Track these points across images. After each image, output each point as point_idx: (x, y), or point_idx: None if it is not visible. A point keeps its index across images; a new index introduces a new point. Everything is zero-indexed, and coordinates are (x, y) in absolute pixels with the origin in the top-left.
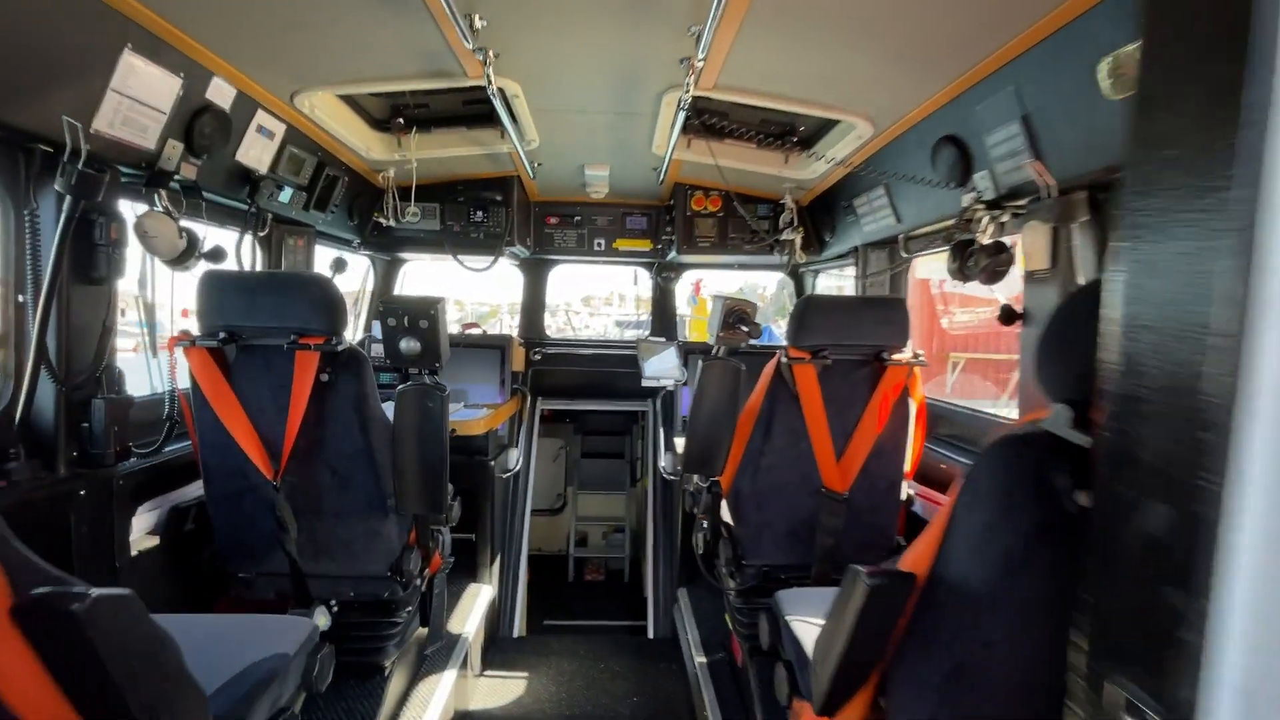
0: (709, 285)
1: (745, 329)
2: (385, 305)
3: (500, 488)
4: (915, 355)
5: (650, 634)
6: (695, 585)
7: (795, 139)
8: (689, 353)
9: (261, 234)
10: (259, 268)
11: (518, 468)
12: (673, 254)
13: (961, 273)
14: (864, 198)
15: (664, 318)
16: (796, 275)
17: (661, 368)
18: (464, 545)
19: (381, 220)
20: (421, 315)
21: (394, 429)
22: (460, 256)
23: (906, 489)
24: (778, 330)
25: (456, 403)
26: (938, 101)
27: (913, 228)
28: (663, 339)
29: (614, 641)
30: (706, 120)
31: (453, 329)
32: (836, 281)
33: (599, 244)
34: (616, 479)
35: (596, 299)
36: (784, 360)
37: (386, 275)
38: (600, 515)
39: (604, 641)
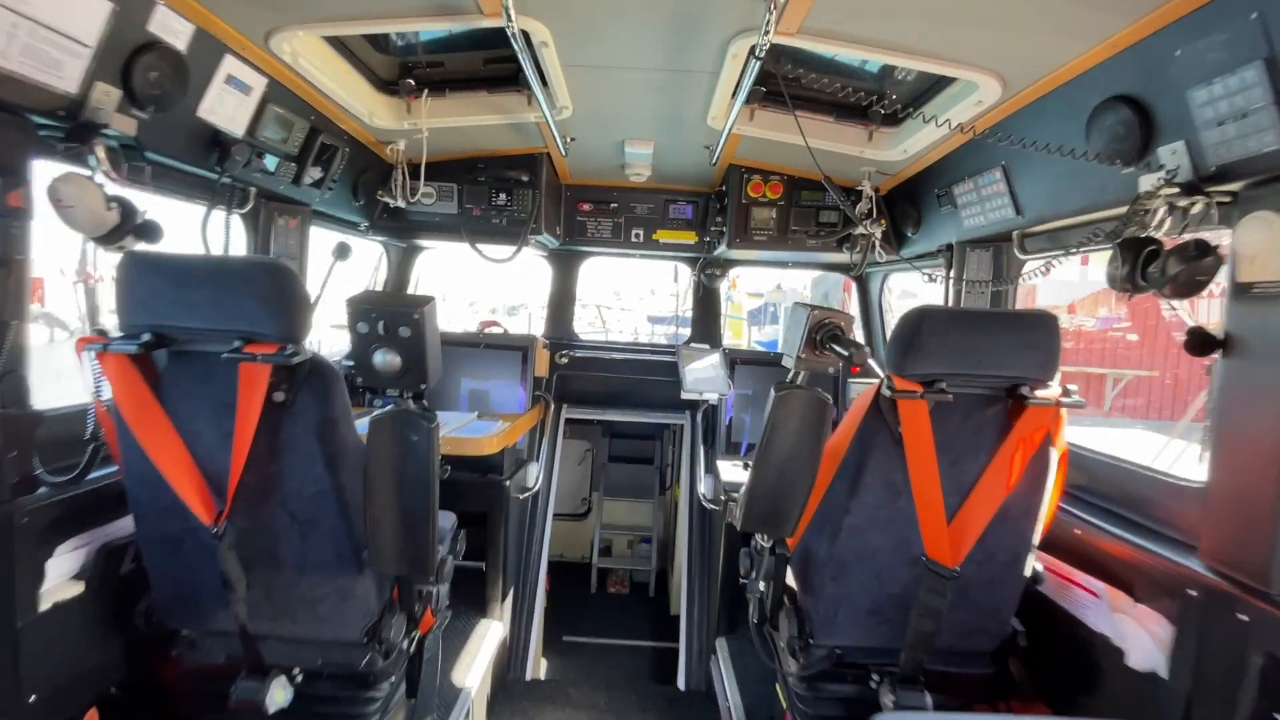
0: (743, 281)
1: (839, 350)
2: (355, 306)
3: (516, 510)
4: (1066, 391)
5: (681, 685)
6: (737, 636)
7: (882, 111)
8: (735, 362)
9: (241, 210)
10: (241, 252)
11: (537, 486)
12: (722, 248)
13: (1132, 281)
14: (968, 184)
15: (707, 321)
16: (861, 279)
17: (704, 378)
18: (472, 576)
19: (390, 201)
20: (402, 320)
21: (366, 468)
22: (479, 245)
23: (1032, 564)
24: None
25: (471, 412)
26: (1108, 49)
27: (1035, 221)
28: (705, 345)
29: (639, 695)
30: (775, 85)
31: (469, 326)
32: (908, 285)
33: (637, 235)
34: (645, 486)
35: (628, 293)
36: (885, 392)
37: (401, 264)
38: (626, 524)
39: (628, 691)
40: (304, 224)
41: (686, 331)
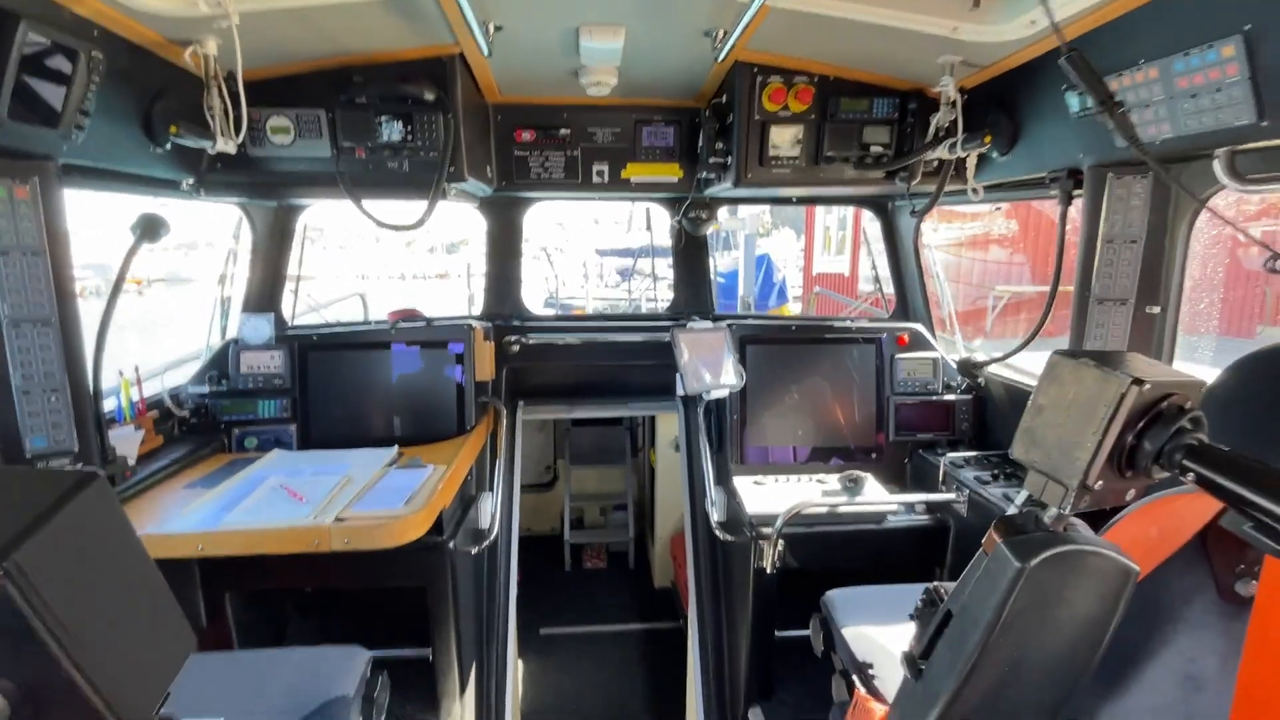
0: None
1: (1228, 491)
2: None
3: (468, 570)
4: None
5: None
6: (776, 703)
7: None
8: (745, 340)
9: None
10: None
11: (493, 534)
12: (722, 185)
13: None
14: (1146, 71)
15: (694, 281)
16: (886, 213)
17: (711, 371)
18: (416, 668)
19: (207, 144)
20: None
21: None
22: (369, 202)
23: None
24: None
25: (388, 447)
26: None
27: None
28: (708, 323)
29: None
30: None
31: (374, 314)
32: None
33: (599, 173)
34: (614, 449)
35: (571, 224)
36: (1250, 530)
37: (272, 232)
38: (597, 492)
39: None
40: (47, 189)
41: (649, 268)
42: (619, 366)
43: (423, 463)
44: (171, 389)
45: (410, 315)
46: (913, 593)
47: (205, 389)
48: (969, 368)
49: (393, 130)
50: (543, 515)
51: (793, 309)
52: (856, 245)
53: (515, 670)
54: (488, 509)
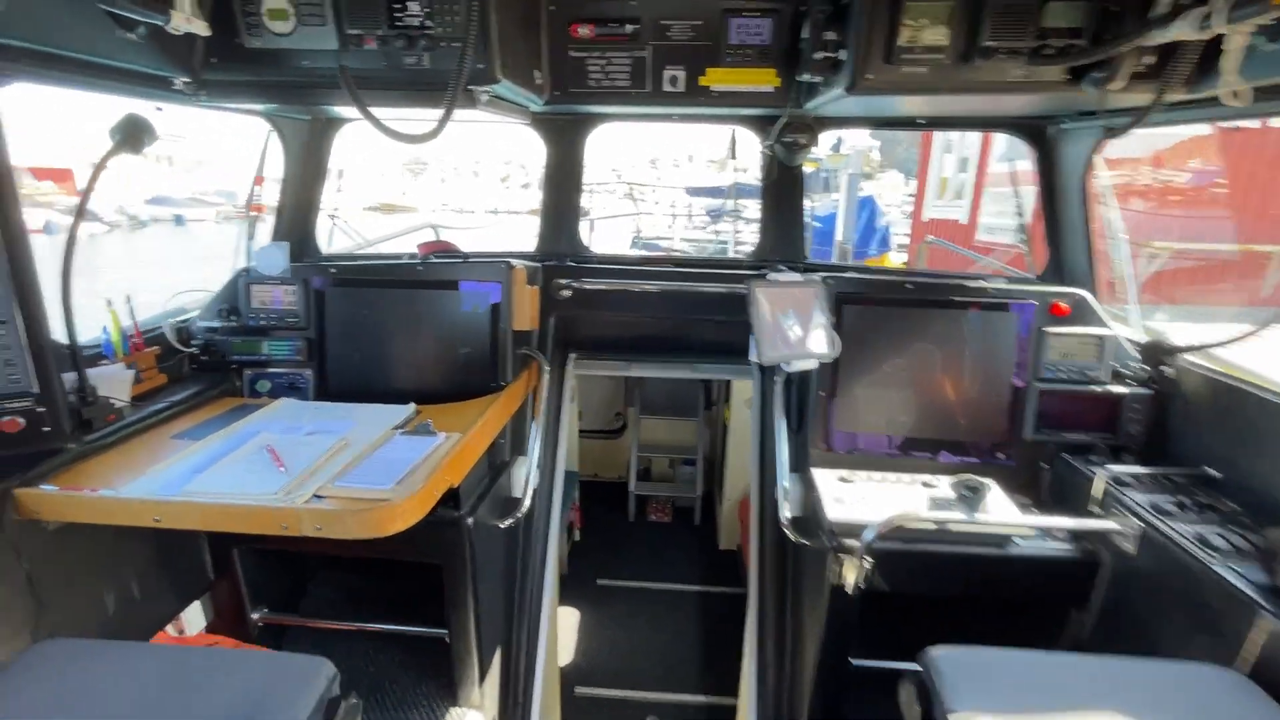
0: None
1: None
2: None
3: (494, 545)
4: None
5: None
6: None
7: None
8: (844, 300)
9: None
10: None
11: (526, 504)
12: (832, 94)
13: None
14: None
15: (784, 221)
16: (1046, 141)
17: (797, 338)
18: (437, 645)
19: (166, 18)
20: None
21: None
22: (379, 108)
23: None
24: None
25: (405, 404)
26: None
27: None
28: (794, 274)
29: None
30: None
31: (394, 244)
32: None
33: (673, 79)
34: (687, 401)
35: (664, 160)
36: None
37: (308, 151)
38: (667, 443)
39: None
40: None
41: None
42: (688, 320)
43: (433, 429)
44: (180, 322)
45: (442, 249)
46: (1059, 666)
47: (216, 324)
48: (1157, 353)
49: (409, 10)
50: (610, 462)
51: (894, 259)
52: (980, 186)
53: (550, 647)
54: (521, 477)
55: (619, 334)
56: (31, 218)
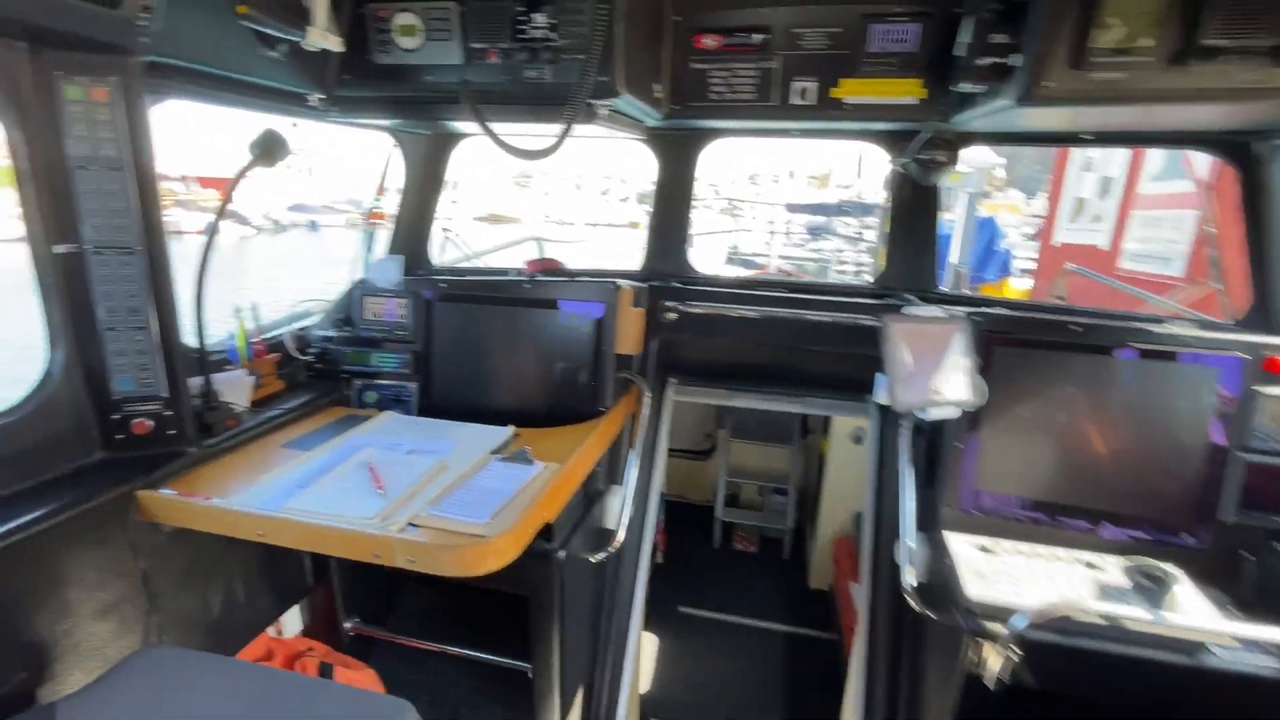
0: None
1: None
2: None
3: (583, 579)
4: None
5: None
6: None
7: None
8: (996, 340)
9: None
10: None
11: (619, 539)
12: (994, 103)
13: None
14: None
15: (914, 248)
16: (1246, 161)
17: (934, 374)
18: (513, 676)
19: (302, 34)
20: None
21: None
22: (498, 123)
23: None
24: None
25: (504, 426)
26: None
27: None
28: (935, 309)
29: None
30: None
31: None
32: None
33: (802, 91)
34: (781, 427)
35: (764, 176)
36: None
37: (426, 164)
38: (757, 469)
39: None
40: (130, 91)
41: (842, 228)
42: (799, 350)
43: (531, 457)
44: (299, 330)
45: (549, 267)
46: None
47: (331, 333)
48: None
49: (533, 25)
50: (696, 484)
51: (1015, 286)
52: (1127, 208)
53: (634, 686)
54: (615, 507)
55: (722, 360)
56: (196, 221)
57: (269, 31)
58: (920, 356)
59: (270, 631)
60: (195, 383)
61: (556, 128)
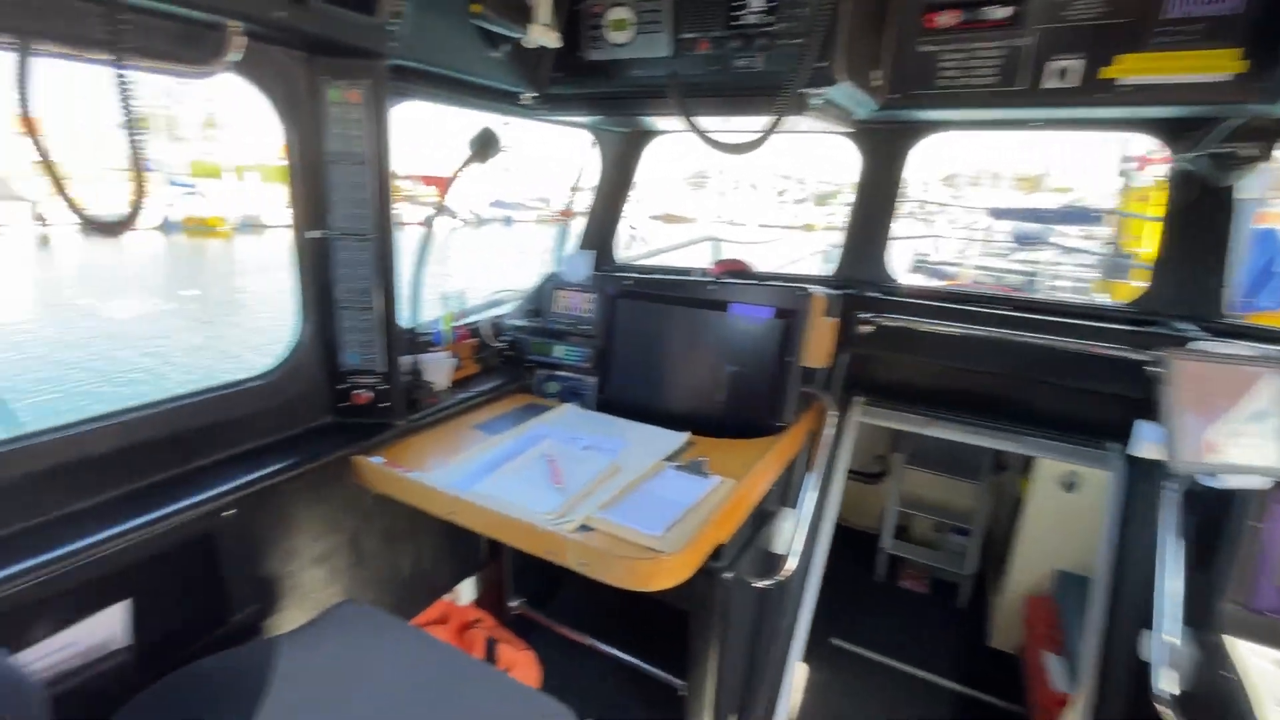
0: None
1: None
2: None
3: (746, 605)
4: None
5: None
6: None
7: None
8: None
9: (208, 69)
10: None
11: (789, 565)
12: None
13: None
14: None
15: (1195, 264)
16: None
17: (1230, 430)
18: (660, 689)
19: (524, 31)
20: None
21: None
22: (701, 117)
23: None
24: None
25: (680, 431)
26: None
27: None
28: (1237, 344)
29: None
30: None
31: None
32: None
33: (1061, 72)
34: (968, 459)
35: (961, 177)
36: None
37: (620, 162)
38: (935, 503)
39: None
40: (378, 93)
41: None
42: (1020, 379)
43: (706, 470)
44: (494, 318)
45: (735, 268)
46: None
47: (523, 323)
48: None
49: (749, 12)
50: (862, 508)
51: None
52: None
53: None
54: (786, 531)
55: (919, 382)
56: (417, 214)
57: (496, 29)
58: (1214, 406)
59: (447, 599)
60: (405, 361)
61: (759, 122)
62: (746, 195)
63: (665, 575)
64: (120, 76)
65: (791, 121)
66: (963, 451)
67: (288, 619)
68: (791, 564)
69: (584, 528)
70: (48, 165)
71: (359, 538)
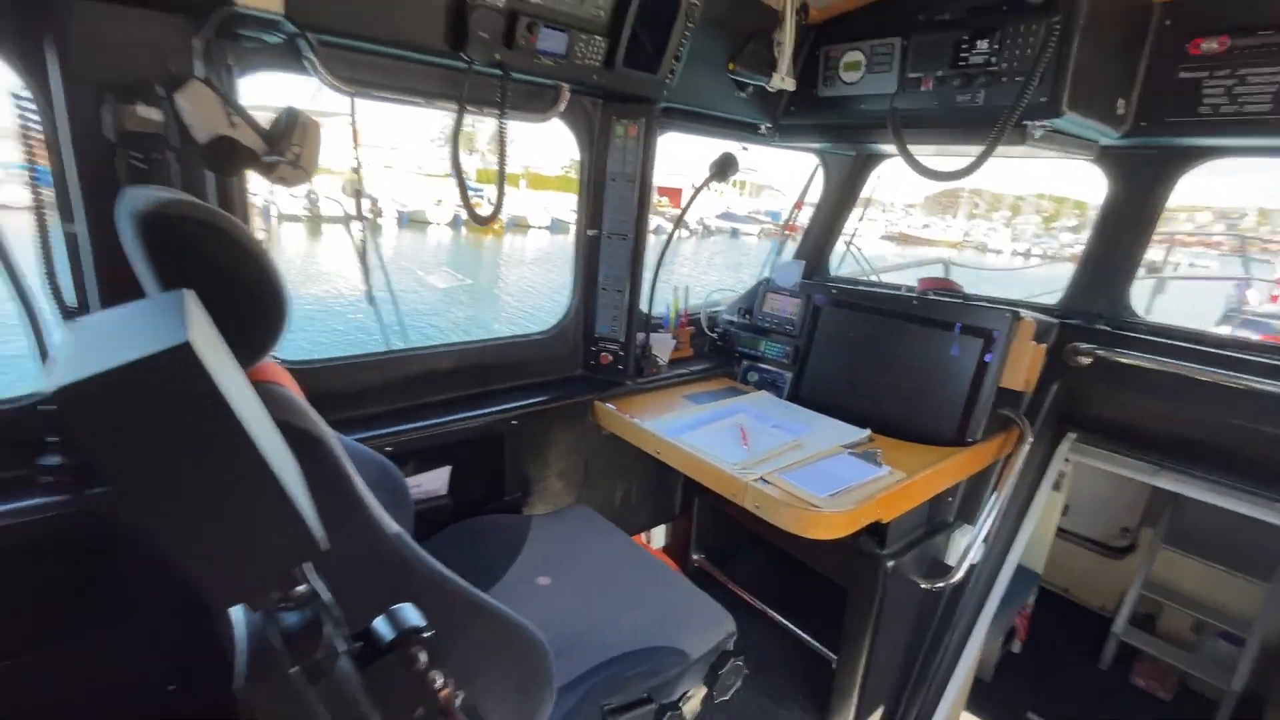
0: None
1: None
2: None
3: (904, 600)
4: None
5: None
6: None
7: None
8: None
9: (543, 115)
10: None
11: (958, 575)
12: None
13: None
14: None
15: None
16: None
17: None
18: (814, 660)
19: (767, 79)
20: None
21: None
22: (919, 144)
23: None
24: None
25: (862, 429)
26: None
27: None
28: None
29: None
30: None
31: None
32: None
33: None
34: (1251, 548)
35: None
36: None
37: (845, 183)
38: (1197, 596)
39: None
40: (649, 129)
41: None
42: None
43: (880, 460)
44: (712, 312)
45: (944, 286)
46: None
47: (735, 319)
48: None
49: (975, 50)
50: (1093, 585)
51: None
52: None
53: None
54: (960, 546)
55: (1152, 424)
56: (653, 222)
57: (746, 80)
58: None
59: (643, 537)
60: (639, 336)
61: (969, 150)
62: (1003, 218)
63: (821, 527)
64: (501, 125)
65: (1021, 149)
66: (1242, 534)
67: (538, 507)
68: (959, 575)
69: (763, 480)
70: (459, 180)
71: (590, 463)
